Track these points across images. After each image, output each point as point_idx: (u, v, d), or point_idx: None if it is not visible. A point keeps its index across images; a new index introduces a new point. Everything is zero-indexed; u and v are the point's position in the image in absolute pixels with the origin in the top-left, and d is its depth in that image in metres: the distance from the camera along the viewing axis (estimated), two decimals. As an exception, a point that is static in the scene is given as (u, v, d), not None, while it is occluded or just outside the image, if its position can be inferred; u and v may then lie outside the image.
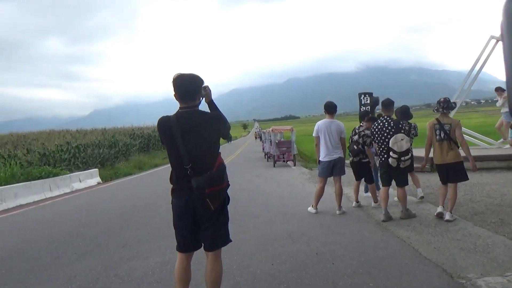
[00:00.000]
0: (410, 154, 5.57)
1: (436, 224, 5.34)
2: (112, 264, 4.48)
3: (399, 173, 5.67)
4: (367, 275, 3.66)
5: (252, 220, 6.37)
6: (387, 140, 5.57)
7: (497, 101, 11.79)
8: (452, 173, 5.48)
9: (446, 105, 5.54)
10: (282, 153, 17.64)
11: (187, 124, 2.74)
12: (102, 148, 19.84)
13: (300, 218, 6.36)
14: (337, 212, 6.47)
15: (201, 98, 2.87)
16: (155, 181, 14.19)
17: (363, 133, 6.82)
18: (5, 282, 4.12)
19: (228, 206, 2.91)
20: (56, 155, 15.95)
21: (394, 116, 5.95)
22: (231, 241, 2.97)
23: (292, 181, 11.64)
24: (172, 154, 2.81)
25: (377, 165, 7.86)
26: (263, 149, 27.81)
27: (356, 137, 6.89)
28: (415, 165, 6.68)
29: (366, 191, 7.69)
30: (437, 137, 5.51)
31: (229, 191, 2.89)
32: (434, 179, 9.25)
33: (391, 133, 5.56)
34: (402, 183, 5.75)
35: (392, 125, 5.61)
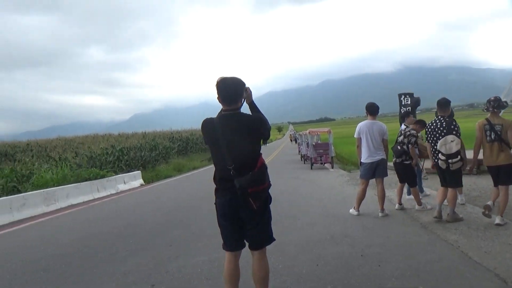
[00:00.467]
0: (459, 157, 5.40)
1: (485, 228, 5.18)
2: (162, 261, 4.69)
3: (450, 174, 5.53)
4: (415, 278, 3.63)
5: (293, 222, 6.43)
6: (438, 141, 5.47)
7: None
8: (503, 175, 5.28)
9: (496, 104, 5.33)
10: (320, 155, 17.54)
11: (230, 126, 2.83)
12: (144, 151, 20.56)
13: (342, 220, 6.34)
14: (380, 214, 6.40)
15: (243, 101, 2.97)
16: (195, 183, 14.55)
17: (408, 133, 6.72)
18: (67, 276, 4.42)
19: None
20: (102, 158, 16.74)
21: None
22: (274, 239, 3.04)
23: (331, 184, 11.58)
24: (216, 155, 2.93)
25: (420, 166, 7.71)
26: (299, 151, 27.72)
27: (401, 138, 6.79)
28: None
29: (409, 193, 7.55)
30: (487, 138, 5.32)
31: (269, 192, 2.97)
32: (480, 182, 8.93)
33: (442, 134, 5.45)
34: (454, 184, 5.60)
35: (444, 125, 5.48)
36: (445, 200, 5.79)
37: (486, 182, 8.24)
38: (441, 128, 5.48)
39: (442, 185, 5.78)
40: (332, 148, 17.21)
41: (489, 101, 5.42)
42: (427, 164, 8.02)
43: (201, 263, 4.52)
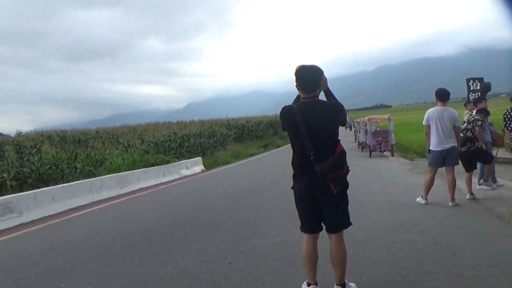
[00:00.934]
0: None
1: None
2: (234, 242, 4.96)
3: None
4: (495, 268, 3.55)
5: (359, 209, 6.41)
6: None
7: None
8: None
9: None
10: (379, 143, 17.11)
11: (310, 114, 2.93)
12: (203, 138, 21.31)
13: (409, 208, 6.25)
14: (450, 204, 6.21)
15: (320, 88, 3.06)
16: (255, 170, 14.89)
17: (472, 118, 6.45)
18: (151, 251, 4.84)
19: None
20: (165, 144, 17.64)
21: None
22: (351, 224, 3.14)
23: (392, 172, 11.31)
24: (296, 142, 3.05)
25: (492, 153, 7.33)
26: (355, 139, 27.14)
27: (465, 125, 6.53)
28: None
29: (479, 182, 7.23)
30: None
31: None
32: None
33: None
34: None
35: None
36: None
37: None
38: None
39: None
40: (393, 135, 16.68)
41: None
42: (501, 153, 7.61)
43: (272, 244, 4.72)
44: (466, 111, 7.55)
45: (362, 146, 20.58)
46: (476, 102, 7.50)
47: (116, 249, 5.00)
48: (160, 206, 8.30)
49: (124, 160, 12.88)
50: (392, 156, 16.26)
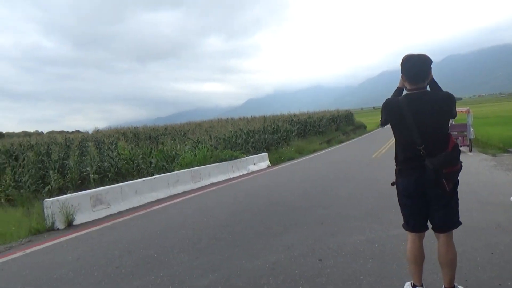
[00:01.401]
0: None
1: None
2: (319, 238, 4.90)
3: None
4: None
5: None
6: None
7: None
8: None
9: None
10: (455, 137, 16.04)
11: (419, 106, 2.77)
12: (267, 134, 21.44)
13: (503, 208, 5.78)
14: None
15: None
16: (322, 166, 14.66)
17: None
18: (236, 245, 4.94)
19: None
20: (231, 140, 18.00)
21: None
22: (461, 223, 2.93)
23: (475, 168, 10.55)
24: (402, 135, 2.90)
25: None
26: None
27: None
28: None
29: None
30: None
31: None
32: None
33: None
34: None
35: None
36: None
37: None
38: None
39: None
40: (471, 129, 15.54)
41: None
42: None
43: (360, 242, 4.59)
44: None
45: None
46: None
47: (203, 242, 5.17)
48: (233, 200, 8.46)
49: (195, 155, 13.33)
50: (471, 151, 15.18)
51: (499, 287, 3.19)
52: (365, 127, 51.70)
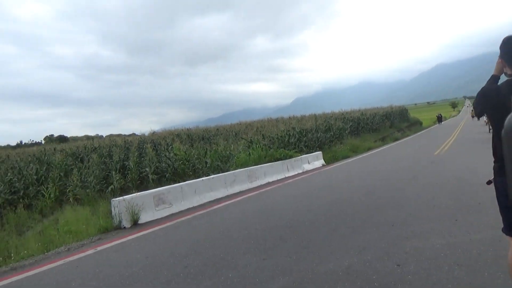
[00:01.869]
0: None
1: None
2: (393, 241, 4.59)
3: None
4: None
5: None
6: None
7: None
8: None
9: None
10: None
11: None
12: (319, 132, 21.03)
13: None
14: None
15: None
16: (379, 164, 14.07)
17: None
18: (304, 246, 4.77)
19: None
20: (284, 139, 17.84)
21: None
22: None
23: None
24: (501, 125, 2.57)
25: None
26: (489, 129, 23.95)
27: None
28: None
29: None
30: None
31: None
32: None
33: None
34: None
35: None
36: None
37: None
38: None
39: None
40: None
41: None
42: None
43: (440, 247, 4.23)
44: None
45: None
46: None
47: (269, 243, 5.05)
48: (296, 200, 8.28)
49: (250, 155, 13.33)
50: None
51: None
52: (421, 124, 49.28)
